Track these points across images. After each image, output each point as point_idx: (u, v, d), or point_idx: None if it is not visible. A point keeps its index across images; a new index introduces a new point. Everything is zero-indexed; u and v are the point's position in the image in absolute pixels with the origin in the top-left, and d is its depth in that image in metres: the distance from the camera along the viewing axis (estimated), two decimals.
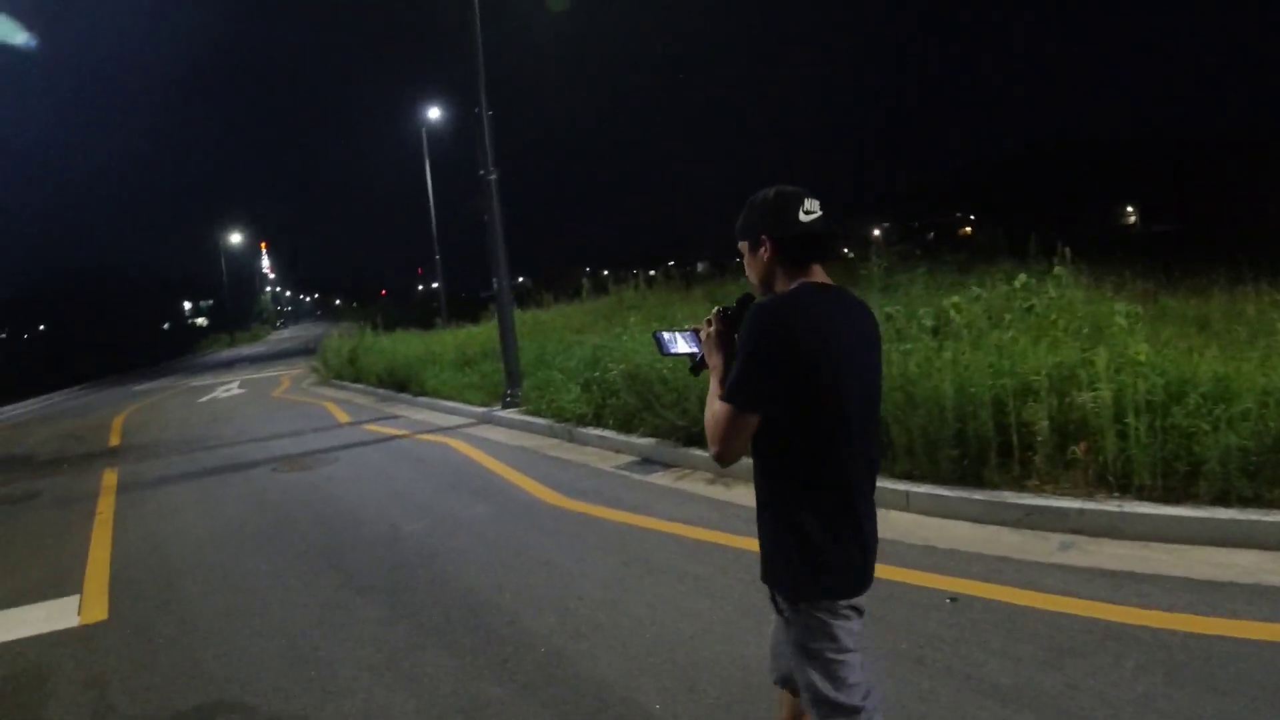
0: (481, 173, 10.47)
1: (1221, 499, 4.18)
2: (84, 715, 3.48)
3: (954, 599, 3.69)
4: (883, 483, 5.01)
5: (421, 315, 28.29)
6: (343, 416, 12.01)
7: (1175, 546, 4.03)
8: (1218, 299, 8.22)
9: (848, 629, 1.85)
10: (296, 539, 5.75)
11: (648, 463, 6.97)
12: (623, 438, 7.52)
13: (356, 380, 15.80)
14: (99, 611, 4.68)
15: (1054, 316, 6.11)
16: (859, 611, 1.89)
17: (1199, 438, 4.34)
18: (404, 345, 16.17)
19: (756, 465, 1.93)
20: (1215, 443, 4.24)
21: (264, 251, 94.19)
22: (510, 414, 9.74)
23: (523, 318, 15.13)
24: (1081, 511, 4.33)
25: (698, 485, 6.09)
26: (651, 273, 21.35)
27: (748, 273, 1.99)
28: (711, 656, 3.39)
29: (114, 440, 12.29)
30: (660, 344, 2.23)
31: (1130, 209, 79.65)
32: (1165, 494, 4.33)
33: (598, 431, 7.91)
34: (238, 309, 75.18)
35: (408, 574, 4.80)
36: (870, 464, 1.93)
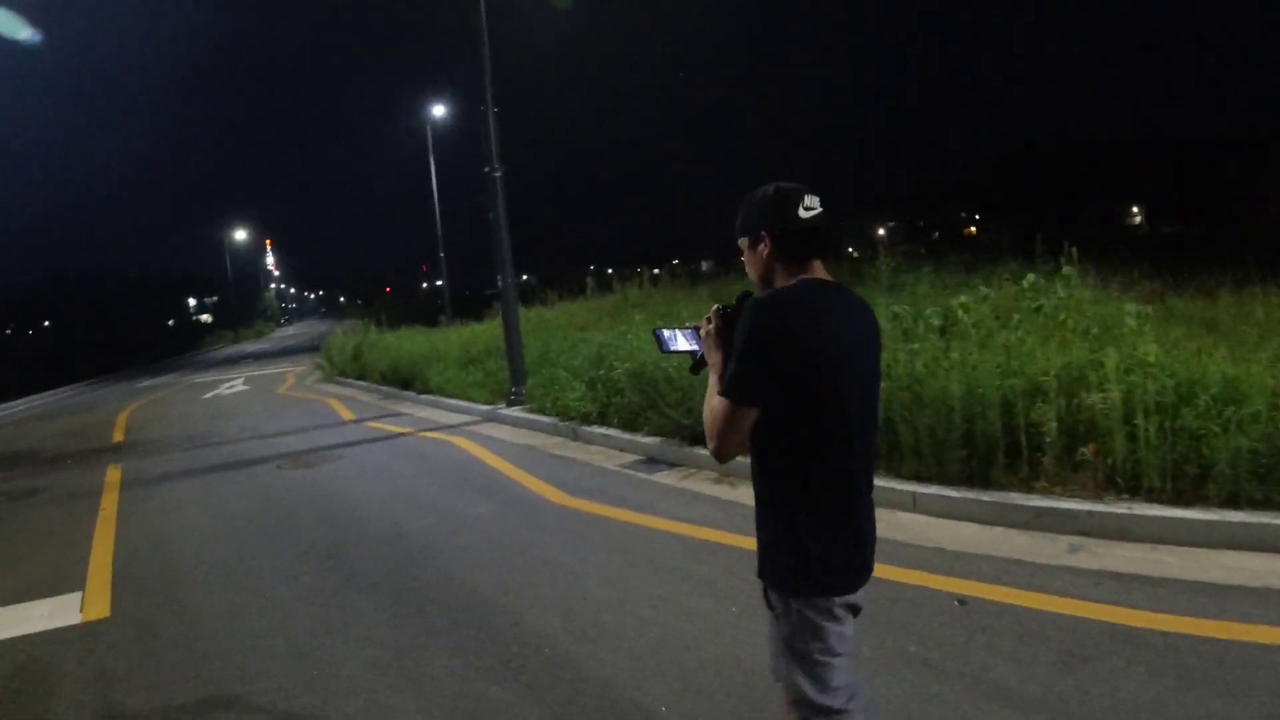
0: (487, 169, 10.45)
1: (1231, 502, 4.15)
2: (86, 713, 3.47)
3: (962, 601, 3.67)
4: (889, 483, 5.03)
5: (425, 312, 28.28)
6: (347, 414, 12.01)
7: (1185, 549, 4.00)
8: (1225, 300, 8.18)
9: (839, 632, 1.84)
10: (300, 536, 5.73)
11: (653, 462, 6.94)
12: (627, 436, 7.49)
13: (360, 377, 15.80)
14: (101, 609, 4.67)
15: (1063, 317, 6.08)
16: (853, 611, 1.88)
17: (1209, 440, 4.30)
18: (408, 342, 16.16)
19: (755, 465, 1.92)
20: (1225, 445, 4.21)
21: (269, 248, 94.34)
22: (515, 412, 9.72)
23: (527, 315, 15.11)
24: (1090, 513, 4.30)
25: (703, 485, 6.06)
26: (656, 271, 21.31)
27: (747, 269, 1.97)
28: (718, 658, 3.37)
29: (118, 436, 12.30)
30: (660, 341, 2.21)
31: (1135, 210, 79.51)
32: (1175, 496, 4.30)
33: (602, 430, 7.89)
34: (242, 306, 75.31)
35: (411, 572, 4.78)
36: (869, 462, 1.93)
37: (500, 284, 10.87)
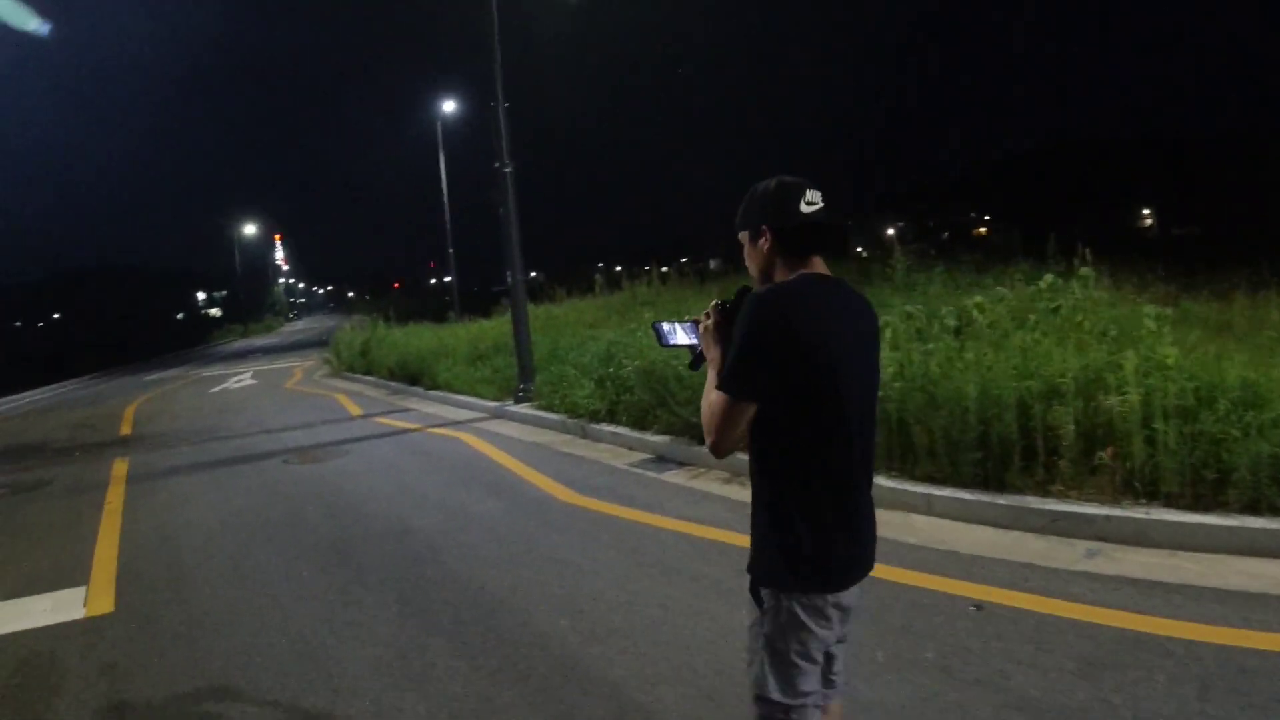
0: (497, 165, 10.42)
1: (1252, 508, 4.07)
2: (90, 708, 3.43)
3: (979, 607, 3.60)
4: (903, 485, 4.97)
5: (433, 308, 28.29)
6: (354, 409, 11.99)
7: (1204, 555, 3.93)
8: (1240, 303, 8.10)
9: (821, 636, 1.82)
10: (307, 532, 5.70)
11: (662, 460, 6.89)
12: (636, 435, 7.44)
13: (368, 373, 15.79)
14: (106, 603, 4.64)
15: (1079, 318, 6.00)
16: (843, 611, 1.85)
17: (1228, 444, 4.23)
18: (416, 338, 16.16)
19: (754, 464, 1.90)
20: (1245, 450, 4.14)
21: (278, 244, 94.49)
22: (523, 409, 9.68)
23: (536, 312, 15.07)
24: (1108, 518, 4.23)
25: (712, 484, 6.01)
26: (664, 269, 21.26)
27: (747, 264, 1.94)
28: (728, 661, 3.30)
29: (125, 429, 12.31)
30: (659, 335, 2.18)
31: (1146, 212, 79.05)
32: (1193, 501, 4.23)
33: (611, 428, 7.83)
34: (251, 300, 75.52)
35: (418, 569, 4.74)
36: (869, 460, 1.91)
37: (509, 280, 10.83)
